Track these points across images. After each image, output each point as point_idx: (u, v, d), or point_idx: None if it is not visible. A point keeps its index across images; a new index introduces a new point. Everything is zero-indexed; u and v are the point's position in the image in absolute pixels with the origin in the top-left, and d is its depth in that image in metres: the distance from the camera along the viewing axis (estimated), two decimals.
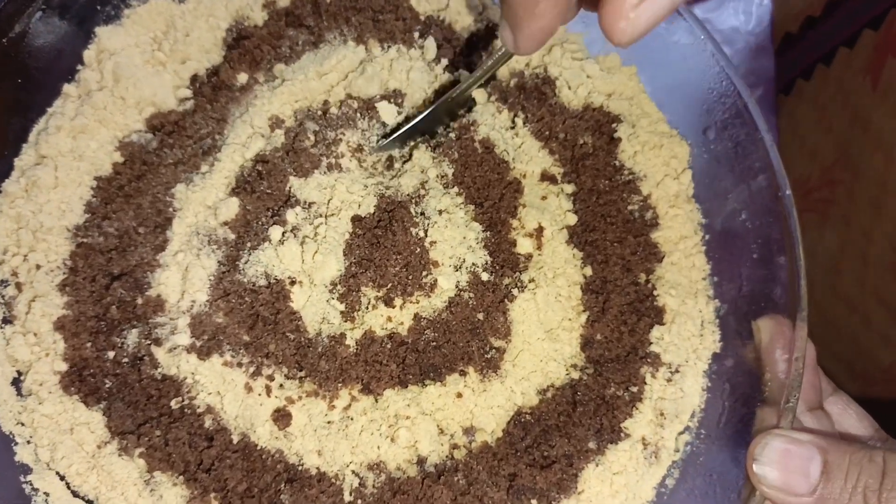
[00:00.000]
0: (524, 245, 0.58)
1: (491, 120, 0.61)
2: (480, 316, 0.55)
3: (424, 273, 0.56)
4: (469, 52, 0.64)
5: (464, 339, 0.55)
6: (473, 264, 0.57)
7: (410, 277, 0.55)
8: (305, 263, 0.55)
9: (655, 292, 0.58)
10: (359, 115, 0.60)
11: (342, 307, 0.55)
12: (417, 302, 0.56)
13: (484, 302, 0.55)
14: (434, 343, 0.55)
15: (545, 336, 0.56)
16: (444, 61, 0.63)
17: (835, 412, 0.57)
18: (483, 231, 0.58)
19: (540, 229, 0.58)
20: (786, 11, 0.91)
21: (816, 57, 0.85)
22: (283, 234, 0.56)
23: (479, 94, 0.62)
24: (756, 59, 0.93)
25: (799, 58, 0.89)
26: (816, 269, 0.80)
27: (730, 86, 0.59)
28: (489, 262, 0.57)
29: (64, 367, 0.54)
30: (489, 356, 0.55)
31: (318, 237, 0.56)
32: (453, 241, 0.57)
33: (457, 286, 0.56)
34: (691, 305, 0.58)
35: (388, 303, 0.55)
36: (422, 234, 0.56)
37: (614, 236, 0.59)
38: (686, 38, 0.61)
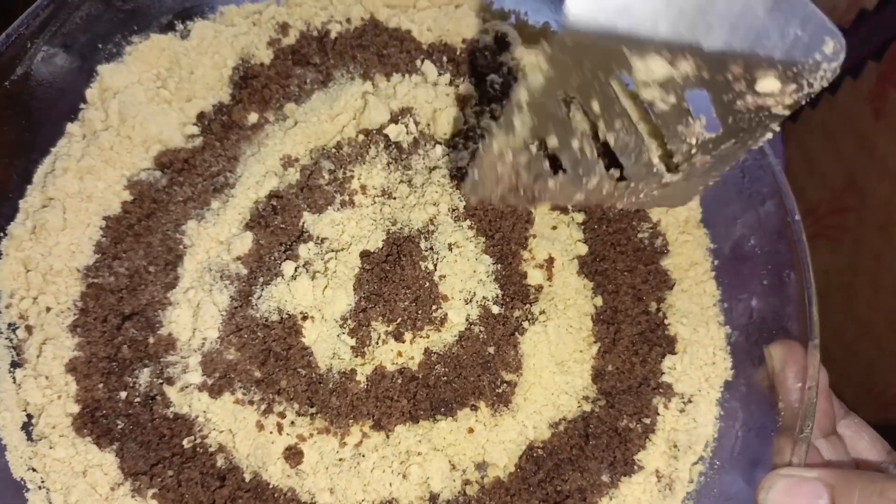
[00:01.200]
0: (535, 276, 0.58)
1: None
2: (491, 350, 0.55)
3: (434, 307, 0.56)
4: (473, 64, 0.64)
5: (475, 373, 0.55)
6: (484, 297, 0.56)
7: (420, 312, 0.55)
8: (317, 298, 0.55)
9: (666, 321, 0.58)
10: (369, 147, 0.60)
11: (353, 342, 0.55)
12: (428, 336, 0.55)
13: (494, 335, 0.55)
14: (445, 378, 0.55)
15: (556, 369, 0.56)
16: (447, 77, 0.63)
17: (847, 435, 0.56)
18: (493, 263, 0.58)
19: (550, 260, 0.58)
20: None
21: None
22: (296, 269, 0.56)
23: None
24: None
25: None
26: (831, 291, 0.80)
27: None
28: (500, 296, 0.57)
29: (76, 408, 0.55)
30: (500, 390, 0.55)
31: (329, 272, 0.56)
32: (463, 274, 0.57)
33: (467, 320, 0.56)
34: (703, 333, 0.57)
35: (398, 337, 0.55)
36: (431, 267, 0.56)
37: (625, 265, 0.59)
38: None
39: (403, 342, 0.55)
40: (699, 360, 0.57)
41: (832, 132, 0.84)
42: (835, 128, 0.83)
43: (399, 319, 0.55)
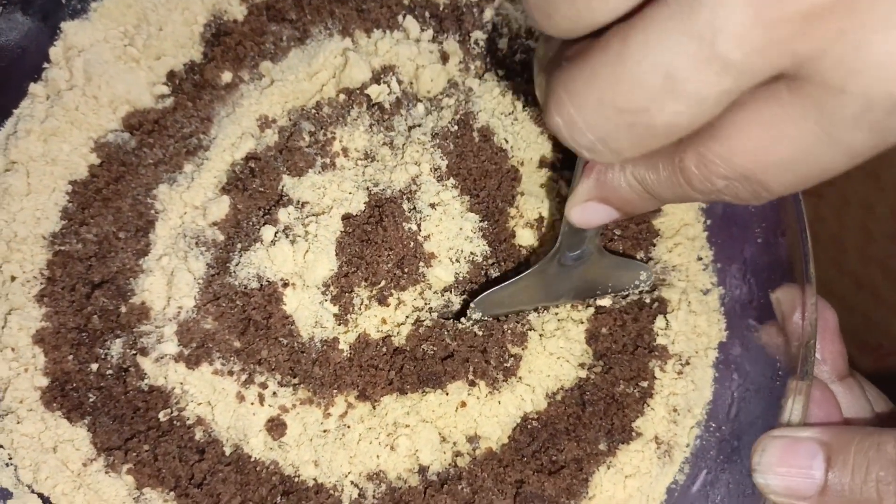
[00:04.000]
0: (524, 236, 0.56)
1: (492, 105, 0.58)
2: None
3: (420, 264, 0.54)
4: (458, 20, 0.62)
5: (471, 348, 0.53)
6: (472, 253, 0.54)
7: (405, 272, 0.53)
8: (297, 264, 0.53)
9: (659, 281, 0.56)
10: (351, 108, 0.57)
11: (335, 309, 0.53)
12: (415, 302, 0.53)
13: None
14: (433, 353, 0.52)
15: (558, 335, 0.54)
16: (430, 33, 0.60)
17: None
18: (480, 221, 0.56)
19: (540, 219, 0.56)
20: None
21: None
22: (276, 233, 0.54)
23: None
24: None
25: None
26: (819, 249, 0.80)
27: None
28: (489, 253, 0.55)
29: (45, 382, 0.52)
30: (508, 365, 0.53)
31: (309, 236, 0.53)
32: (449, 232, 0.54)
33: (456, 277, 0.54)
34: (696, 293, 0.56)
35: (382, 301, 0.53)
36: (415, 227, 0.54)
37: (615, 223, 0.57)
38: None
39: (388, 306, 0.53)
40: (693, 321, 0.55)
41: None
42: None
43: (383, 283, 0.53)
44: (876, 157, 0.69)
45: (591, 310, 0.55)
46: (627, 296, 0.56)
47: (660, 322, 0.55)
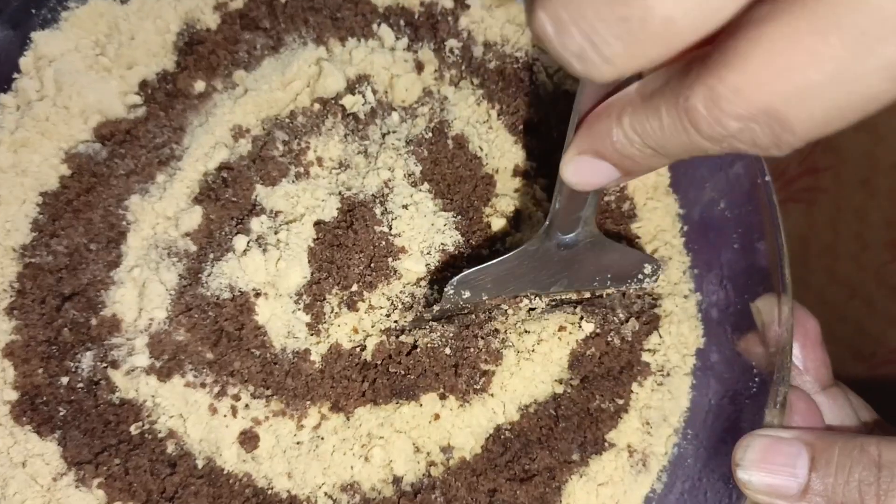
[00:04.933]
0: (498, 224, 0.55)
1: (467, 113, 0.58)
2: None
3: (389, 260, 0.53)
4: (433, 29, 0.62)
5: (447, 369, 0.52)
6: (443, 244, 0.54)
7: (374, 269, 0.53)
8: (269, 273, 0.53)
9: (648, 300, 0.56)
10: (326, 118, 0.57)
11: (308, 318, 0.53)
12: (384, 306, 0.53)
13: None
14: (405, 369, 0.52)
15: (535, 354, 0.53)
16: (405, 42, 0.60)
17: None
18: (454, 217, 0.55)
19: (516, 211, 0.56)
20: None
21: None
22: (248, 243, 0.53)
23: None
24: None
25: None
26: (810, 256, 0.79)
27: None
28: (462, 242, 0.54)
29: (14, 395, 0.51)
30: (478, 385, 0.52)
31: (281, 244, 0.53)
32: (421, 228, 0.54)
33: (427, 269, 0.53)
34: (674, 301, 0.55)
35: (351, 306, 0.53)
36: (385, 229, 0.53)
37: None
38: None
39: (357, 311, 0.53)
40: (672, 329, 0.55)
41: None
42: None
43: (354, 286, 0.52)
44: (869, 165, 0.69)
45: (582, 333, 0.54)
46: (629, 289, 0.54)
47: (654, 338, 0.54)
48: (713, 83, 0.29)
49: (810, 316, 0.52)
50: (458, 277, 0.51)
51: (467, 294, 0.52)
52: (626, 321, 0.54)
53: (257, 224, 0.54)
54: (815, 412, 0.50)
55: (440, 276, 0.54)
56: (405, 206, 0.54)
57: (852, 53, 0.27)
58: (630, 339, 0.54)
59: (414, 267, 0.53)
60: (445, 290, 0.51)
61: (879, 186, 0.70)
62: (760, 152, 0.31)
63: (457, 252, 0.54)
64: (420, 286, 0.54)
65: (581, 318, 0.53)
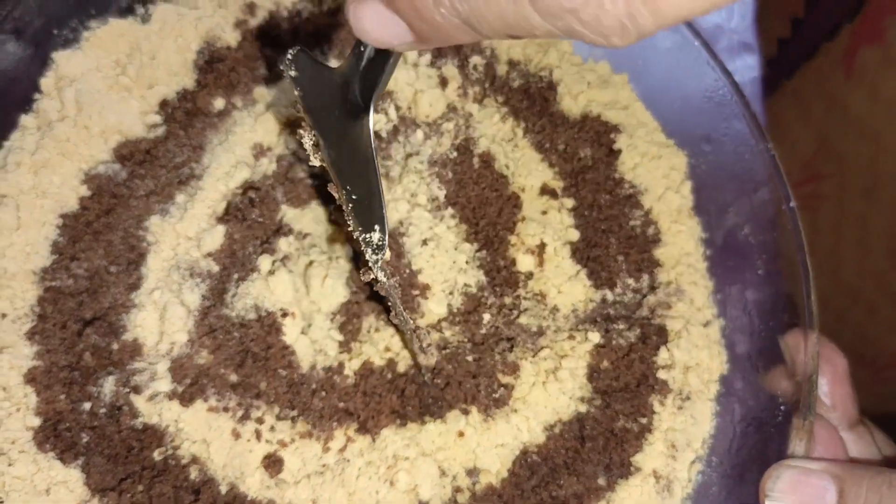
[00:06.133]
0: (525, 262, 0.55)
1: (492, 131, 0.58)
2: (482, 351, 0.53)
3: (415, 293, 0.53)
4: (456, 45, 0.62)
5: (467, 374, 0.52)
6: (466, 285, 0.54)
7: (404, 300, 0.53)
8: (299, 293, 0.53)
9: (659, 314, 0.56)
10: None
11: (341, 337, 0.53)
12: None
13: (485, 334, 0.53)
14: (435, 378, 0.52)
15: (552, 367, 0.53)
16: (428, 58, 0.60)
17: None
18: (477, 251, 0.55)
19: (542, 246, 0.56)
20: (772, 11, 0.89)
21: (802, 56, 0.84)
22: (274, 263, 0.53)
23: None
24: (740, 57, 0.91)
25: (787, 60, 0.88)
26: (815, 263, 0.79)
27: (727, 94, 0.57)
28: (486, 283, 0.54)
29: (37, 422, 0.51)
30: (497, 395, 0.52)
31: (321, 266, 0.53)
32: (442, 266, 0.54)
33: (449, 309, 0.53)
34: (696, 326, 0.55)
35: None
36: (405, 261, 0.54)
37: (616, 251, 0.57)
38: (674, 42, 0.59)
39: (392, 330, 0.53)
40: (694, 354, 0.55)
41: (802, 99, 0.82)
42: (807, 94, 0.82)
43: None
44: (871, 173, 0.69)
45: (590, 343, 0.54)
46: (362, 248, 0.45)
47: (663, 354, 0.54)
48: None
49: (839, 352, 0.52)
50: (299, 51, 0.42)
51: (297, 75, 0.43)
52: (629, 329, 0.55)
53: (285, 244, 0.54)
54: (838, 441, 0.50)
55: (464, 319, 0.54)
56: (425, 242, 0.54)
57: None
58: (634, 342, 0.54)
59: (436, 309, 0.53)
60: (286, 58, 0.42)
61: (882, 194, 0.70)
62: (600, 39, 0.25)
63: (479, 295, 0.54)
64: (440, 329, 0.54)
65: (587, 331, 0.54)
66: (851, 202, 0.75)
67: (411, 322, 0.50)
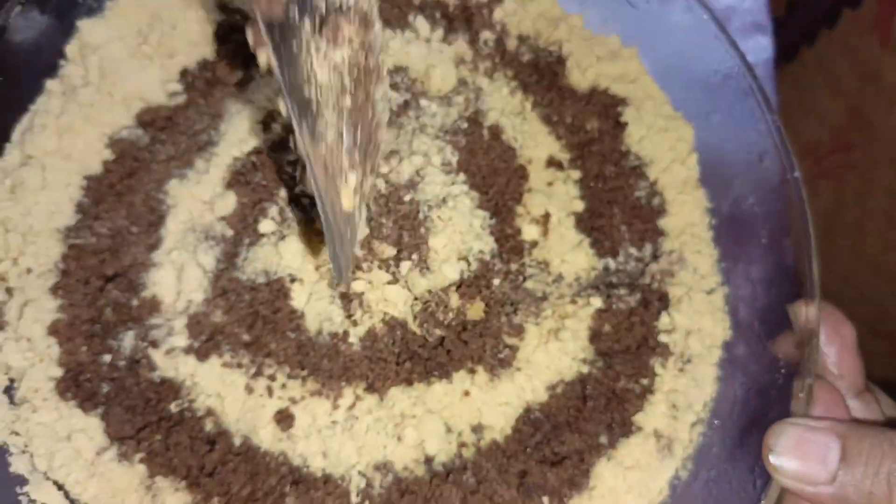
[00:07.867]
0: (530, 232, 0.57)
1: (501, 104, 0.59)
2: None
3: (424, 248, 0.54)
4: (467, 21, 0.63)
5: (474, 335, 0.53)
6: (481, 251, 0.55)
7: (406, 238, 0.54)
8: (307, 259, 0.54)
9: (665, 281, 0.57)
10: None
11: (344, 303, 0.54)
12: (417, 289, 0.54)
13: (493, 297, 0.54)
14: (441, 340, 0.53)
15: (556, 329, 0.54)
16: (440, 33, 0.61)
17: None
18: (490, 218, 0.56)
19: (546, 216, 0.57)
20: None
21: (819, 21, 0.83)
22: (277, 226, 0.55)
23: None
24: (752, 37, 0.91)
25: (800, 24, 0.86)
26: (836, 233, 0.79)
27: (734, 66, 0.58)
28: (496, 250, 0.56)
29: (59, 372, 0.53)
30: (502, 356, 0.53)
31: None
32: (458, 226, 0.55)
33: (461, 274, 0.55)
34: (701, 294, 0.56)
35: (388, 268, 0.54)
36: (421, 217, 0.54)
37: (621, 221, 0.58)
38: (686, 19, 0.60)
39: (396, 282, 0.54)
40: (697, 320, 0.55)
41: (830, 67, 0.81)
42: (834, 62, 0.80)
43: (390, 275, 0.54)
44: None
45: (592, 308, 0.55)
46: None
47: (664, 319, 0.55)
48: None
49: (846, 321, 0.52)
50: None
51: None
52: (630, 295, 0.56)
53: (275, 212, 0.55)
54: (841, 402, 0.50)
55: (470, 287, 0.55)
56: (444, 200, 0.55)
57: None
58: (635, 306, 0.55)
59: (450, 274, 0.54)
60: None
61: None
62: None
63: (490, 262, 0.55)
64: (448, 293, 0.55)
65: (589, 297, 0.55)
66: (879, 172, 0.74)
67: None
